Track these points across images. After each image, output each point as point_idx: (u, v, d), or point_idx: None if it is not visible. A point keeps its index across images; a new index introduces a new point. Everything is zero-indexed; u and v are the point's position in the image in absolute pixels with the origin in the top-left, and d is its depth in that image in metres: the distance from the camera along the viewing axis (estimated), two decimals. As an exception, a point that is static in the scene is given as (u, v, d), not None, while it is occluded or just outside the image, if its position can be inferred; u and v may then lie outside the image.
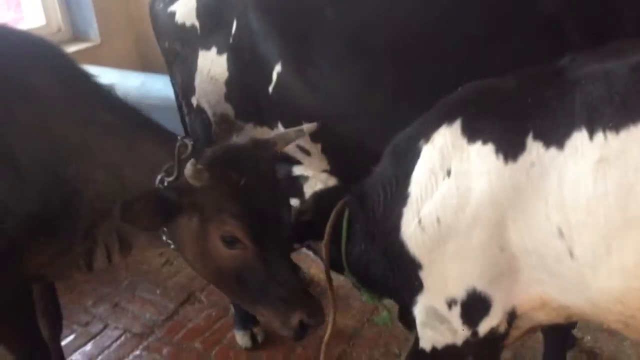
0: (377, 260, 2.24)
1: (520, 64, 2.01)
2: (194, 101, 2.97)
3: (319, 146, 2.68)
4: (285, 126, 2.69)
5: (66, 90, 2.32)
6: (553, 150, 1.70)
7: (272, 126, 2.76)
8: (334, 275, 2.58)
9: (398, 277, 2.17)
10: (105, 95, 2.37)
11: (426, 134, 1.98)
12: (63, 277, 2.69)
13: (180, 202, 2.12)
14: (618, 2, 2.13)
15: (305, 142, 2.69)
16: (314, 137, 2.62)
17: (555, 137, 1.71)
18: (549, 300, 1.86)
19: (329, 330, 2.53)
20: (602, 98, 1.65)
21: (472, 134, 1.86)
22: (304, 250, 2.72)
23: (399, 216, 2.04)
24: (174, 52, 3.02)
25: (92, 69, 2.45)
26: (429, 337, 2.13)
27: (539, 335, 2.93)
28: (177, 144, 2.22)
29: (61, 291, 2.98)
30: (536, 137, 1.74)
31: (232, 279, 2.21)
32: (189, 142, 2.24)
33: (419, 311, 2.11)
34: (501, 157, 1.78)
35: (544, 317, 1.96)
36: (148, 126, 2.36)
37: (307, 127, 2.39)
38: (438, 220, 1.91)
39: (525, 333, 2.14)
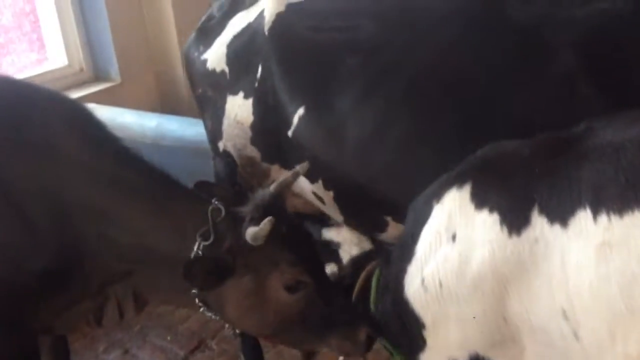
0: (392, 317, 2.22)
1: (536, 118, 2.03)
2: (220, 145, 3.03)
3: (331, 194, 2.69)
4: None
5: (92, 150, 2.32)
6: (557, 228, 1.66)
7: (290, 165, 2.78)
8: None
9: (408, 333, 2.14)
10: (132, 157, 2.38)
11: (439, 194, 1.96)
12: (70, 330, 2.69)
13: (233, 264, 2.16)
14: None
15: (319, 190, 2.71)
16: (327, 184, 2.66)
17: (560, 215, 1.66)
18: None
19: None
20: (609, 177, 1.60)
21: (479, 201, 1.84)
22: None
23: (404, 273, 2.04)
24: (206, 98, 3.08)
25: (110, 110, 2.46)
26: None
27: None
28: (210, 207, 2.23)
29: (73, 336, 3.01)
30: (542, 212, 1.70)
31: (296, 322, 2.26)
32: (221, 206, 2.25)
33: None
34: (505, 229, 1.75)
35: None
36: (177, 189, 2.37)
37: (301, 167, 2.46)
38: (440, 283, 1.89)
39: None
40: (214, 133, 3.06)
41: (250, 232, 2.10)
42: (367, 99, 2.47)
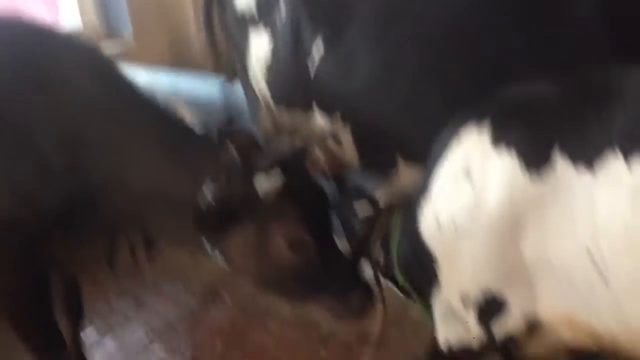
0: (411, 253, 2.18)
1: (549, 61, 2.00)
2: (249, 90, 3.06)
3: (348, 129, 2.68)
4: (319, 105, 2.70)
5: (109, 92, 2.30)
6: (582, 169, 1.59)
7: (307, 108, 2.77)
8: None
9: (423, 269, 2.10)
10: (149, 102, 2.35)
11: (458, 132, 1.91)
12: (83, 269, 2.67)
13: (240, 211, 2.16)
14: None
15: (336, 125, 2.69)
16: (345, 117, 2.64)
17: (585, 156, 1.60)
18: (576, 319, 1.75)
19: (376, 327, 2.56)
20: None
21: (498, 140, 1.78)
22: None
23: (420, 209, 2.01)
24: (236, 42, 3.08)
25: (123, 67, 2.43)
26: (446, 334, 2.08)
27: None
28: (225, 155, 2.20)
29: (84, 284, 2.92)
30: (564, 152, 1.64)
31: (292, 279, 2.26)
32: (237, 154, 2.22)
33: (437, 306, 2.07)
34: (524, 168, 1.70)
35: (569, 336, 1.85)
36: (192, 135, 2.34)
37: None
38: (454, 221, 1.85)
39: (548, 353, 2.03)
40: (242, 75, 3.07)
41: (261, 185, 2.12)
42: (384, 31, 2.45)
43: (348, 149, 2.76)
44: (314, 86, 2.69)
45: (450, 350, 2.08)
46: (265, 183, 2.12)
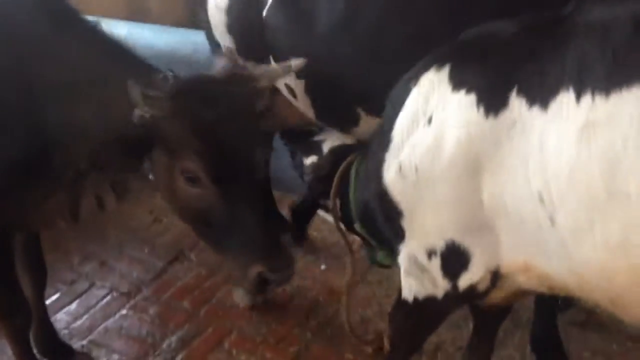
0: (374, 207, 2.18)
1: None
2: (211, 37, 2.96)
3: (302, 83, 2.61)
4: (275, 60, 2.62)
5: (56, 28, 2.17)
6: (536, 110, 1.59)
7: (266, 62, 2.67)
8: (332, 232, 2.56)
9: (388, 223, 2.11)
10: (97, 36, 2.22)
11: (416, 77, 1.89)
12: (46, 226, 2.56)
13: (149, 136, 2.00)
14: None
15: (290, 80, 2.62)
16: (298, 73, 2.53)
17: (540, 96, 1.59)
18: (532, 265, 1.77)
19: (347, 277, 2.59)
20: (596, 55, 1.50)
21: (456, 82, 1.77)
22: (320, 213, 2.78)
23: (382, 161, 1.99)
24: None
25: None
26: (411, 287, 2.09)
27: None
28: (153, 77, 2.06)
29: (47, 249, 2.86)
30: (520, 93, 1.63)
31: (198, 220, 2.11)
32: (170, 75, 2.09)
33: (402, 259, 2.07)
34: (482, 110, 1.69)
35: (526, 283, 1.87)
36: (134, 62, 2.21)
37: (295, 63, 2.27)
38: (416, 167, 1.84)
39: (509, 298, 2.07)
40: (207, 27, 2.97)
41: (136, 96, 1.93)
42: None
43: (303, 104, 2.71)
44: (267, 39, 2.62)
45: (416, 300, 2.10)
46: (138, 98, 1.93)
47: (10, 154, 2.14)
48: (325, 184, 2.49)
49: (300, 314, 3.23)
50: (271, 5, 2.55)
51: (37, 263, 2.78)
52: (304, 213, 2.81)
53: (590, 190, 1.50)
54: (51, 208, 2.32)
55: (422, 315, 2.17)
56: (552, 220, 1.59)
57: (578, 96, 1.50)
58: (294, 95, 2.71)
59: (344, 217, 2.48)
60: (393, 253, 2.20)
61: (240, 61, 2.72)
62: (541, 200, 1.59)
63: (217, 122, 1.97)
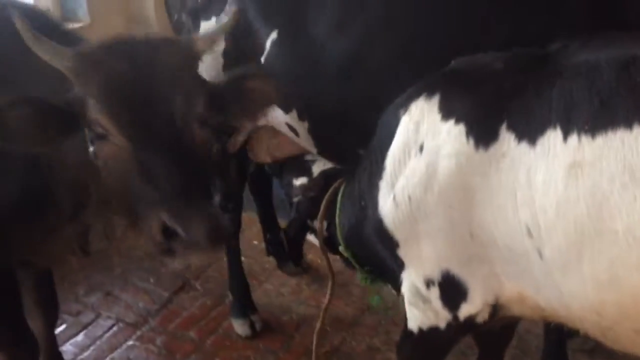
0: (366, 235, 2.18)
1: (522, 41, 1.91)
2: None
3: (306, 125, 2.59)
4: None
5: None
6: (525, 145, 1.63)
7: None
8: (334, 261, 2.55)
9: (386, 252, 2.11)
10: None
11: (406, 105, 1.92)
12: (56, 263, 2.56)
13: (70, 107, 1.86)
14: None
15: (293, 121, 2.62)
16: (301, 114, 2.56)
17: (528, 132, 1.63)
18: (526, 296, 1.79)
19: (325, 302, 2.56)
20: (582, 96, 1.56)
21: (447, 111, 1.79)
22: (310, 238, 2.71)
23: (377, 189, 2.01)
24: (181, 24, 2.97)
25: None
26: (415, 317, 2.09)
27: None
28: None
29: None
30: (510, 128, 1.66)
31: (117, 184, 1.88)
32: None
33: (405, 289, 2.08)
34: (472, 141, 1.72)
35: (521, 312, 1.91)
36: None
37: (228, 19, 2.13)
38: (409, 197, 1.86)
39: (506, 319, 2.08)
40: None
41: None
42: (344, 25, 2.36)
43: (306, 143, 2.70)
44: None
45: (420, 331, 2.09)
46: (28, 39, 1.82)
47: (15, 192, 2.10)
48: (313, 205, 2.50)
49: (307, 343, 3.20)
50: (270, 51, 2.54)
51: (49, 297, 2.77)
52: (296, 234, 2.79)
53: (577, 226, 1.53)
54: (59, 244, 2.31)
55: (428, 345, 2.16)
56: (541, 254, 1.62)
57: (565, 135, 1.55)
58: (297, 135, 2.70)
59: (330, 239, 2.48)
60: (387, 279, 2.25)
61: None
62: (529, 233, 1.62)
63: (134, 78, 1.82)
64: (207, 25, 2.74)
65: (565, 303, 1.67)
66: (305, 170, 2.71)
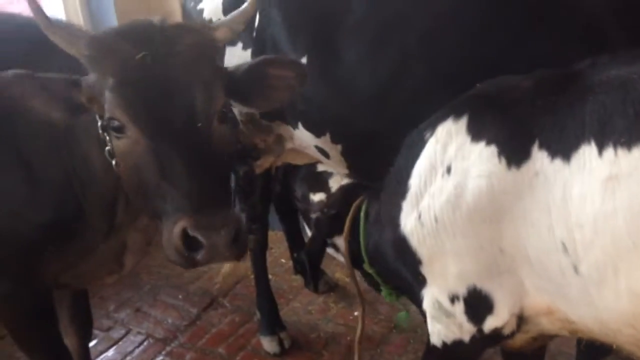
0: (389, 253, 2.20)
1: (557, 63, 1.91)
2: None
3: (339, 147, 2.60)
4: (306, 127, 2.62)
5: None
6: (558, 162, 1.63)
7: (294, 126, 2.70)
8: (360, 280, 2.56)
9: (407, 270, 2.12)
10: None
11: (433, 127, 1.93)
12: (92, 282, 2.58)
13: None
14: None
15: (325, 144, 2.63)
16: (335, 138, 2.56)
17: (562, 149, 1.63)
18: (555, 309, 1.79)
19: (359, 326, 2.50)
20: (616, 109, 1.56)
21: (476, 133, 1.80)
22: (330, 252, 2.70)
23: (399, 209, 2.02)
24: None
25: None
26: (439, 332, 2.09)
27: (573, 341, 2.83)
28: None
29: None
30: (542, 146, 1.67)
31: (135, 183, 1.82)
32: None
33: (427, 305, 2.08)
34: (504, 161, 1.72)
35: (549, 326, 1.89)
36: None
37: (246, 6, 2.00)
38: (435, 217, 1.87)
39: (534, 340, 2.07)
40: None
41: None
42: (377, 49, 2.37)
43: (337, 162, 2.69)
44: (299, 106, 2.59)
45: (444, 345, 2.09)
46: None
47: (47, 214, 2.11)
48: (333, 222, 2.49)
49: (335, 360, 3.23)
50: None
51: (84, 315, 2.80)
52: (315, 252, 2.77)
53: (615, 240, 1.53)
54: (95, 265, 2.32)
55: (452, 359, 2.17)
56: (576, 269, 1.62)
57: (600, 149, 1.55)
58: (327, 157, 2.70)
59: (352, 256, 2.47)
60: (409, 296, 2.24)
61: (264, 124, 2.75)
62: (565, 249, 1.62)
63: (151, 65, 1.72)
64: (233, 52, 2.76)
65: (598, 317, 1.67)
66: (322, 185, 2.69)
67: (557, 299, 1.76)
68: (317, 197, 2.67)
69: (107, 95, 1.73)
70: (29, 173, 2.10)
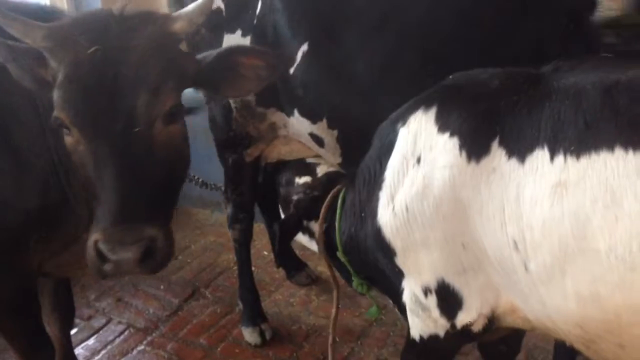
0: (364, 242, 2.22)
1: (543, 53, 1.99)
2: None
3: (335, 133, 2.63)
4: (302, 113, 2.65)
5: None
6: (514, 162, 1.68)
7: (289, 113, 2.72)
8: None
9: (385, 261, 2.14)
10: None
11: (404, 117, 1.96)
12: (74, 272, 2.58)
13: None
14: None
15: (321, 130, 2.65)
16: (332, 123, 2.59)
17: (518, 149, 1.68)
18: (516, 308, 1.84)
19: (334, 311, 2.54)
20: (569, 118, 1.61)
21: (442, 123, 1.84)
22: (299, 240, 2.71)
23: (376, 200, 2.04)
24: (200, 38, 2.98)
25: None
26: (416, 326, 2.12)
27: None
28: None
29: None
30: (501, 144, 1.71)
31: (81, 179, 1.79)
32: None
33: (406, 298, 2.10)
34: (464, 154, 1.76)
35: (513, 324, 1.93)
36: None
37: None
38: (407, 207, 1.90)
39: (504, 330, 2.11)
40: None
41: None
42: (376, 35, 2.42)
43: (332, 152, 2.74)
44: (296, 92, 2.64)
45: (422, 339, 2.12)
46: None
47: (33, 201, 2.12)
48: (312, 205, 2.50)
49: (316, 352, 3.25)
50: (301, 63, 2.58)
51: (66, 303, 2.80)
52: (288, 228, 2.78)
53: (561, 244, 1.58)
54: (78, 254, 2.30)
55: (430, 354, 2.19)
56: (526, 267, 1.66)
57: (552, 155, 1.60)
58: (321, 145, 2.74)
59: (327, 243, 2.47)
60: (384, 289, 2.28)
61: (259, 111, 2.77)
62: (516, 247, 1.67)
63: (97, 57, 1.66)
64: (232, 39, 2.78)
65: (549, 316, 1.71)
66: (310, 171, 2.71)
67: (514, 297, 1.80)
68: (302, 180, 2.68)
69: (55, 92, 1.70)
70: (17, 158, 2.10)
